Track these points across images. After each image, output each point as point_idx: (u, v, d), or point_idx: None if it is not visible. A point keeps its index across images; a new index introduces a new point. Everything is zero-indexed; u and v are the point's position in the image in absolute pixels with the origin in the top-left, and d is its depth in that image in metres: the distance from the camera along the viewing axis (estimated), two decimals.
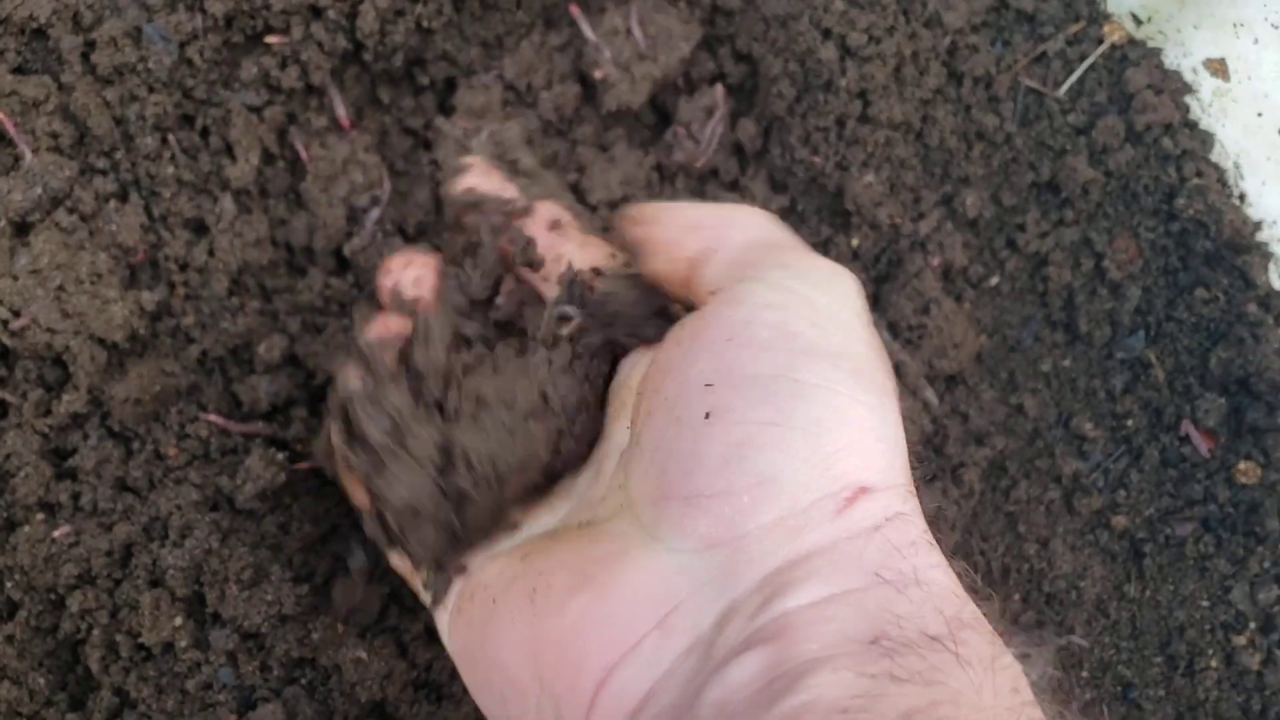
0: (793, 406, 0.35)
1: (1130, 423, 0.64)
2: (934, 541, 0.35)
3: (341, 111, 0.61)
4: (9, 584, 0.52)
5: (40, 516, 0.53)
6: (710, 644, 0.34)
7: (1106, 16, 0.68)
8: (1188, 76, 0.66)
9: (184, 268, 0.57)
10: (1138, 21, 0.67)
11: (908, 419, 0.59)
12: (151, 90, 0.58)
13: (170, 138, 0.58)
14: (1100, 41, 0.67)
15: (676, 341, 0.39)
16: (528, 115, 0.65)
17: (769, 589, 0.33)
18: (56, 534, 0.51)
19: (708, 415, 0.36)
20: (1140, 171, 0.65)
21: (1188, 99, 0.66)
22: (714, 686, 0.32)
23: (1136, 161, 0.65)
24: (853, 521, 0.34)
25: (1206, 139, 0.66)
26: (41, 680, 0.51)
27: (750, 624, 0.33)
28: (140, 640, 0.50)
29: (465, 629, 0.41)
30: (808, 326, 0.37)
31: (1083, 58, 0.67)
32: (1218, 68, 0.65)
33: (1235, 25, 0.63)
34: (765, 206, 0.62)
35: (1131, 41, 0.67)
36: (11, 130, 0.55)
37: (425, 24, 0.61)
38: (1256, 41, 0.62)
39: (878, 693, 0.29)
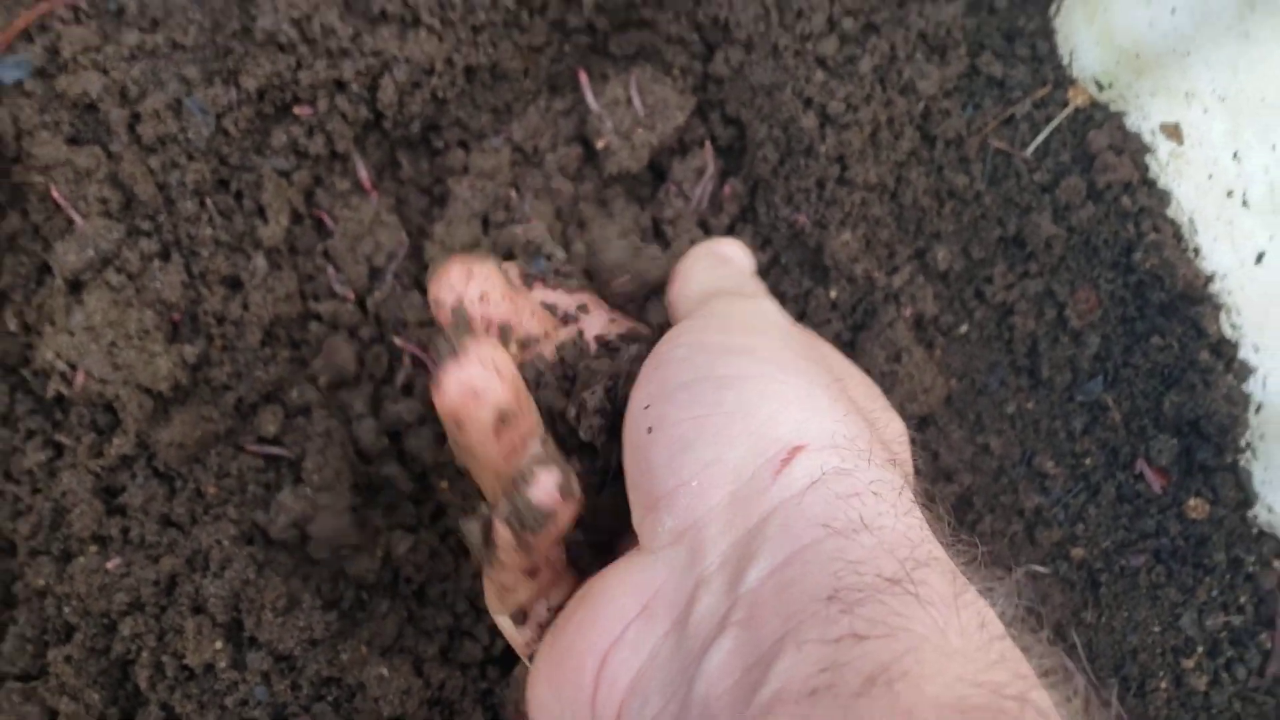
0: (719, 397, 0.38)
1: (1089, 461, 0.70)
2: (883, 494, 0.35)
3: (364, 175, 0.67)
4: (66, 609, 0.58)
5: (94, 549, 0.59)
6: (684, 621, 0.35)
7: (1072, 81, 0.73)
8: (1146, 138, 0.71)
9: (221, 321, 0.63)
10: (1100, 87, 0.72)
11: None
12: (191, 158, 0.64)
13: (208, 201, 0.64)
14: (1065, 105, 0.72)
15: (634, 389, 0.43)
16: (534, 174, 0.70)
17: (732, 564, 0.35)
18: (109, 565, 0.57)
19: (650, 430, 0.39)
20: (1100, 227, 0.70)
21: (1147, 158, 0.71)
22: (699, 680, 0.33)
23: (1097, 218, 0.70)
24: (793, 479, 0.36)
25: (1164, 196, 0.71)
26: (95, 696, 0.57)
27: (721, 602, 0.34)
28: (184, 661, 0.56)
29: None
30: (720, 336, 0.41)
31: (1049, 120, 0.72)
32: (1172, 132, 0.70)
33: (1186, 94, 0.68)
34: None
35: (1095, 105, 0.72)
36: (63, 201, 0.61)
37: (440, 95, 0.67)
38: (1206, 111, 0.67)
39: (842, 661, 0.30)
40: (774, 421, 0.37)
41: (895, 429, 0.48)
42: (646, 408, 0.40)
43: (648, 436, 0.39)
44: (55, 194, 0.61)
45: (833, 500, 0.34)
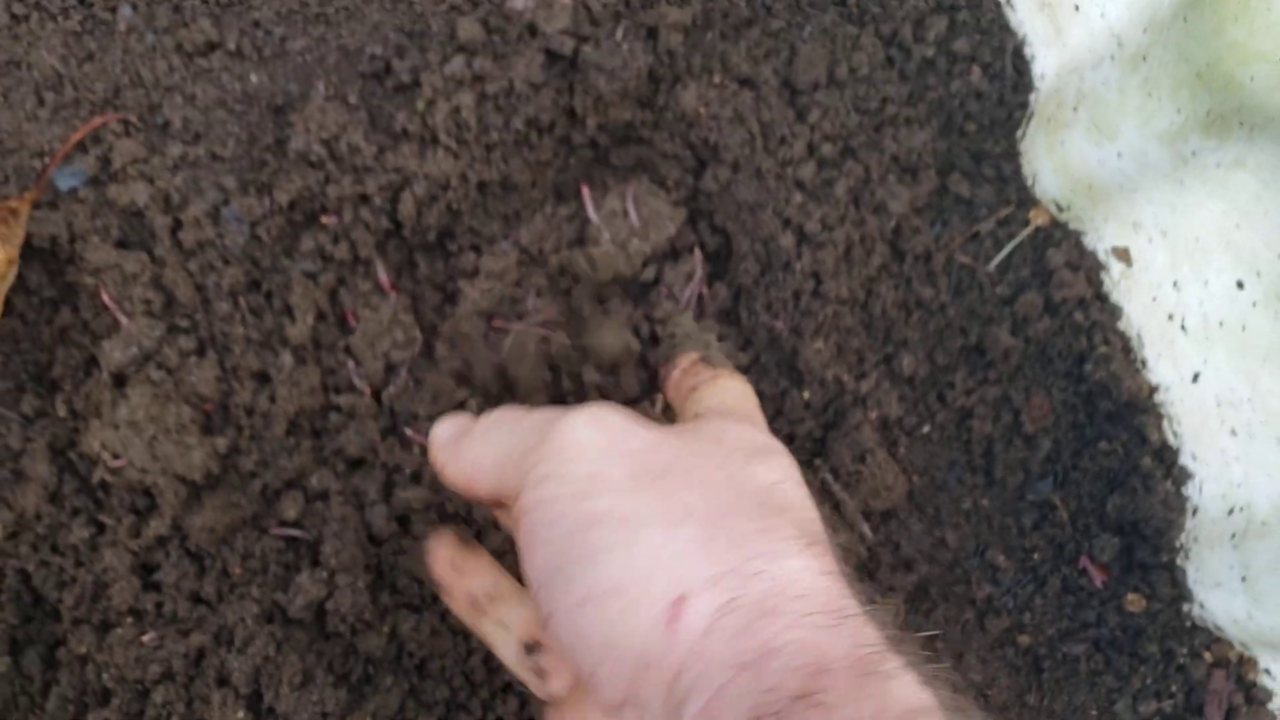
0: (592, 577, 0.38)
1: (1037, 555, 0.76)
2: (779, 608, 0.36)
3: (383, 278, 0.74)
4: (105, 676, 0.65)
5: (130, 621, 0.66)
6: None
7: (1034, 202, 0.79)
8: (1101, 257, 0.77)
9: (250, 414, 0.70)
10: (1059, 208, 0.78)
11: (845, 549, 0.71)
12: (226, 262, 0.70)
13: (241, 301, 0.71)
14: (1027, 224, 0.78)
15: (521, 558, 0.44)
16: (538, 274, 0.77)
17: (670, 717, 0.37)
18: (144, 639, 0.64)
19: (549, 616, 0.40)
20: (1056, 339, 0.77)
21: (1101, 275, 0.77)
22: None
23: (1053, 330, 0.77)
24: (689, 629, 0.36)
25: (1115, 312, 0.77)
26: None
27: None
28: None
29: None
30: (576, 505, 0.40)
31: (1011, 237, 0.78)
32: (1123, 255, 0.76)
33: (1134, 224, 0.74)
34: (734, 360, 0.74)
35: (1054, 224, 0.78)
36: (111, 302, 0.68)
37: (454, 206, 0.74)
38: (1150, 241, 0.73)
39: None
40: (649, 581, 0.38)
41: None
42: (537, 591, 0.41)
43: (550, 621, 0.40)
44: (105, 296, 0.68)
45: (730, 638, 0.36)
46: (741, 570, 0.37)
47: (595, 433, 0.43)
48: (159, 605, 0.65)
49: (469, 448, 0.48)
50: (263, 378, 0.71)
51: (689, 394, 0.56)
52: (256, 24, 0.75)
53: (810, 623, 0.36)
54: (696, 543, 0.39)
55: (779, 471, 0.45)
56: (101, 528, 0.67)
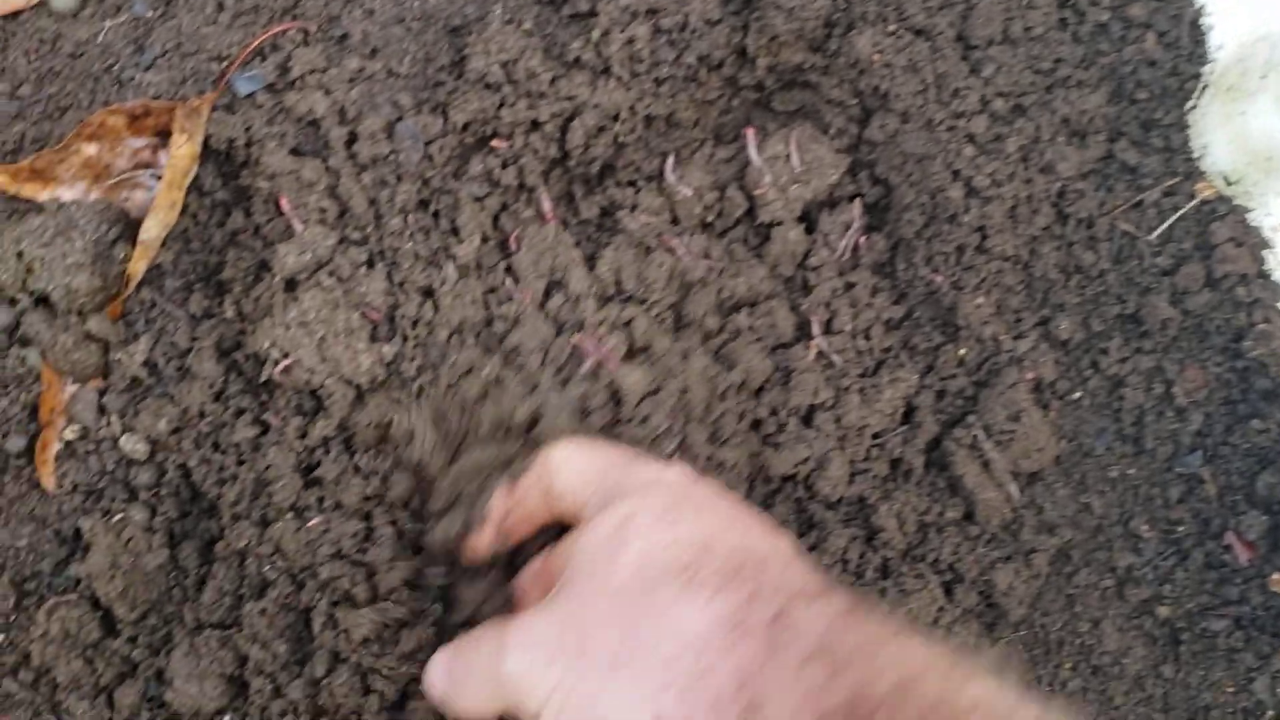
0: None
1: (1181, 529, 0.75)
2: None
3: (546, 206, 0.74)
4: (265, 567, 0.66)
5: (290, 516, 0.66)
6: None
7: (1201, 174, 0.78)
8: (1266, 234, 0.76)
9: (415, 324, 0.70)
10: (1228, 182, 0.77)
11: (991, 507, 0.70)
12: (399, 179, 0.71)
13: (410, 218, 0.71)
14: (1193, 196, 0.77)
15: None
16: (692, 215, 0.76)
17: None
18: (311, 524, 0.65)
19: None
20: (1215, 313, 0.76)
21: (1265, 254, 0.76)
22: None
23: (1212, 304, 0.76)
24: None
25: (1277, 290, 0.76)
26: (282, 647, 0.65)
27: None
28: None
29: None
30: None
31: (1175, 209, 0.77)
32: None
33: None
34: (880, 314, 0.74)
35: (1220, 198, 0.77)
36: (288, 208, 0.69)
37: (620, 139, 0.74)
38: None
39: None
40: None
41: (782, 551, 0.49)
42: None
43: None
44: (284, 202, 0.68)
45: None
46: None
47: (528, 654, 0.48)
48: (320, 500, 0.66)
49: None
50: (427, 292, 0.71)
51: (551, 501, 0.57)
52: None
53: None
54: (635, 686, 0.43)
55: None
56: (265, 427, 0.68)
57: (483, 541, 0.60)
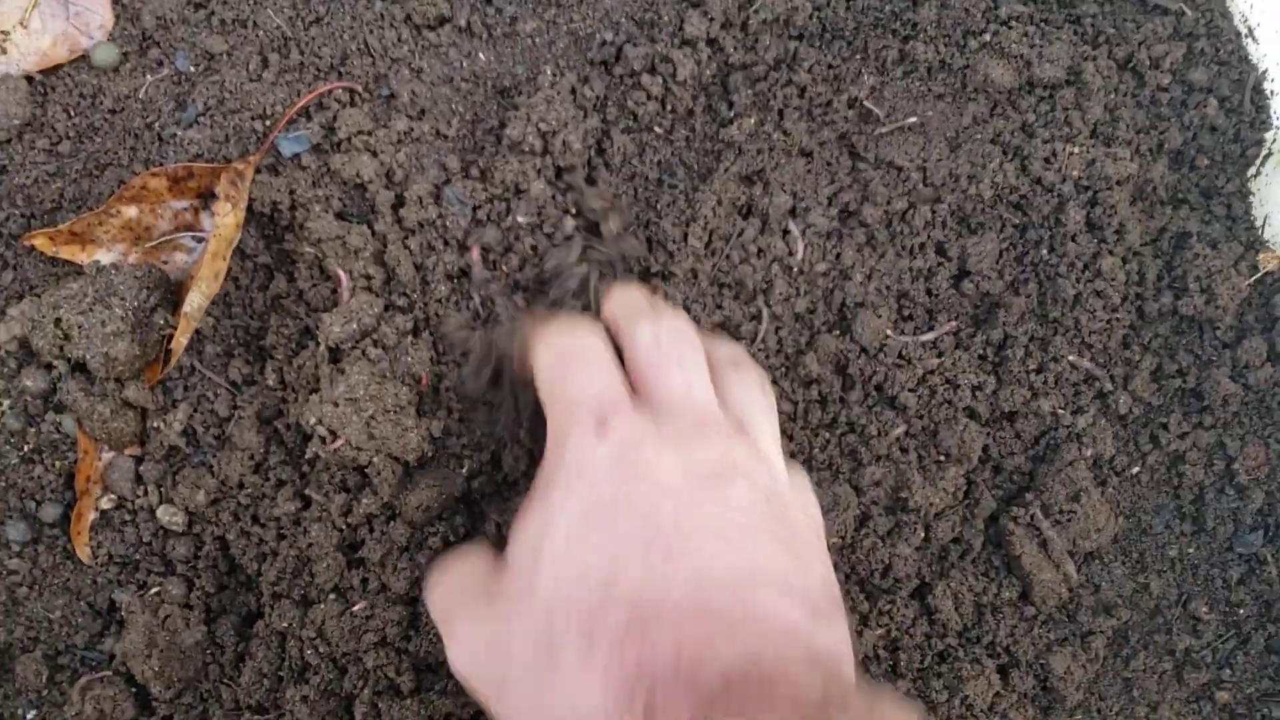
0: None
1: (1242, 611, 0.73)
2: None
3: None
4: (306, 651, 0.64)
5: (333, 597, 0.65)
6: None
7: (1264, 244, 0.76)
8: None
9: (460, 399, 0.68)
10: None
11: (1048, 588, 0.68)
12: (446, 244, 0.69)
13: (456, 284, 0.69)
14: (1256, 268, 0.75)
15: None
16: None
17: None
18: (355, 609, 0.63)
19: None
20: (1277, 389, 0.74)
21: None
22: None
23: (1275, 379, 0.74)
24: None
25: None
26: None
27: None
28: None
29: None
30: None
31: (1238, 280, 0.75)
32: None
33: None
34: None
35: None
36: (343, 277, 0.67)
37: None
38: None
39: None
40: None
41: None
42: None
43: None
44: (340, 272, 0.66)
45: None
46: None
47: (460, 661, 0.50)
48: (364, 582, 0.64)
49: None
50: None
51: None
52: (488, 1, 0.73)
53: None
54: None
55: (549, 567, 0.46)
56: (307, 501, 0.66)
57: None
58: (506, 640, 0.46)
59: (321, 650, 0.63)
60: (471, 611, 0.49)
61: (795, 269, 0.71)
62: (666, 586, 0.42)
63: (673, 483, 0.46)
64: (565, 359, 0.54)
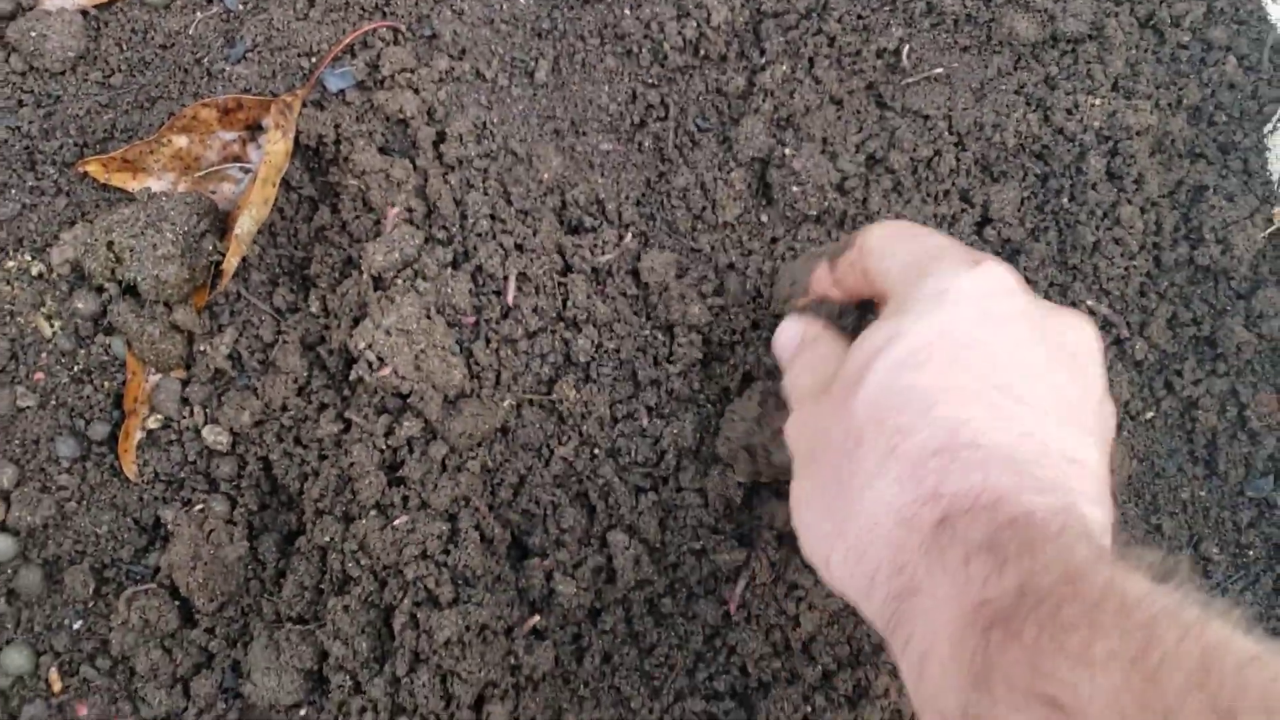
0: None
1: (1251, 553, 0.75)
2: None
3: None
4: (347, 563, 0.66)
5: (374, 513, 0.67)
6: None
7: (1279, 198, 0.78)
8: None
9: (496, 331, 0.70)
10: None
11: None
12: (485, 180, 0.71)
13: (495, 221, 0.71)
14: (1270, 221, 0.77)
15: None
16: None
17: None
18: (396, 523, 0.65)
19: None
20: None
21: None
22: None
23: None
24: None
25: None
26: (364, 644, 0.65)
27: None
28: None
29: None
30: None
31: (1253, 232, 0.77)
32: None
33: None
34: None
35: None
36: (387, 209, 0.69)
37: None
38: None
39: None
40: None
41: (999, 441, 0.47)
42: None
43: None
44: (389, 206, 0.68)
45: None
46: (842, 522, 0.49)
47: (791, 430, 0.57)
48: (405, 499, 0.66)
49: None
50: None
51: (869, 282, 0.57)
52: None
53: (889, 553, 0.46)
54: (825, 511, 0.50)
55: (885, 367, 0.49)
56: (348, 424, 0.69)
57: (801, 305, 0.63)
58: (826, 428, 0.51)
59: (363, 563, 0.65)
60: (809, 395, 0.55)
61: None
62: (988, 429, 0.45)
63: (1025, 336, 0.49)
64: (907, 226, 0.59)
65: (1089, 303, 0.75)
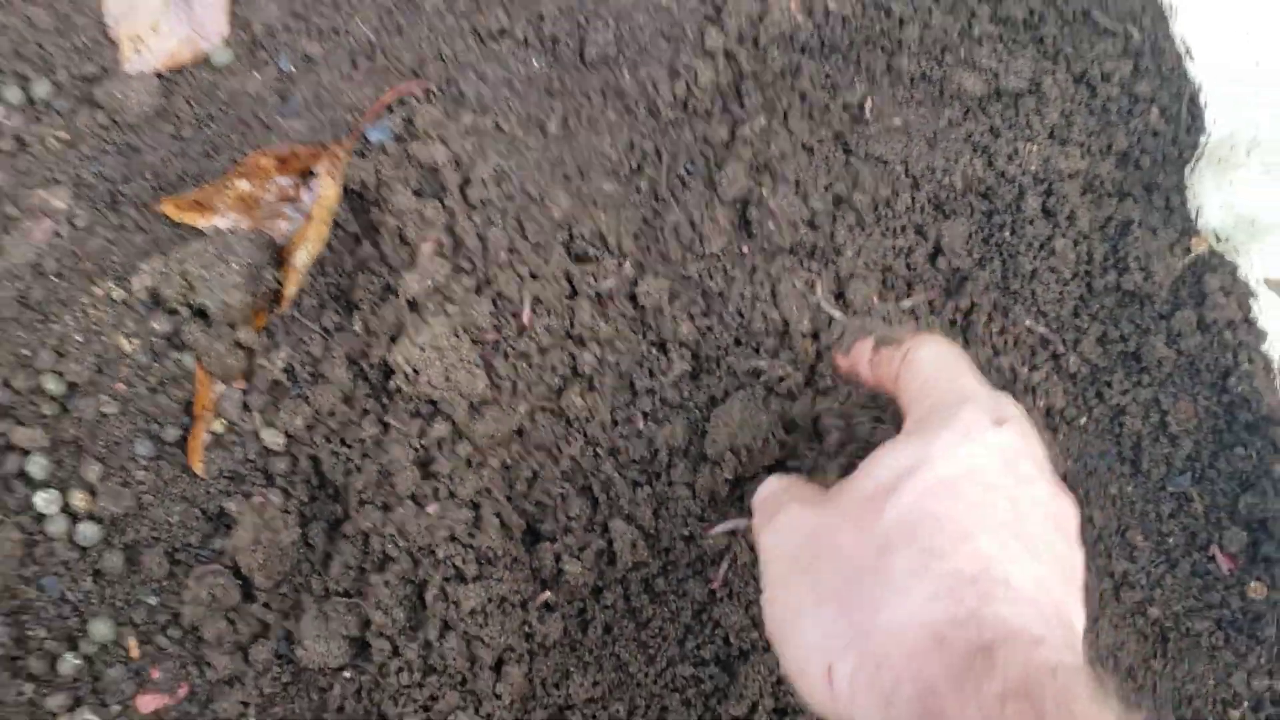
0: (784, 661, 0.51)
1: (1171, 540, 0.86)
2: (889, 657, 0.44)
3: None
4: (387, 545, 0.77)
5: (409, 502, 0.78)
6: None
7: (1196, 231, 0.89)
8: (1251, 285, 0.87)
9: (514, 347, 0.81)
10: (1218, 239, 0.88)
11: None
12: (505, 217, 0.83)
13: (513, 253, 0.83)
14: (1189, 250, 0.88)
15: None
16: None
17: None
18: (429, 510, 0.76)
19: None
20: (1205, 354, 0.87)
21: (1250, 302, 0.87)
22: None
23: (1203, 346, 0.87)
24: (840, 694, 0.46)
25: (1261, 334, 0.87)
26: (400, 613, 0.76)
27: None
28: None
29: None
30: (768, 602, 0.54)
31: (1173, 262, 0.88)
32: (1275, 285, 0.86)
33: None
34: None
35: (1213, 253, 0.89)
36: (419, 242, 0.80)
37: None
38: None
39: None
40: (809, 661, 0.49)
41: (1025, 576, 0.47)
42: None
43: None
44: (423, 242, 0.80)
45: (866, 691, 0.45)
46: (860, 630, 0.46)
47: (775, 539, 0.54)
48: (435, 491, 0.78)
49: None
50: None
51: (896, 383, 0.59)
52: (541, 16, 0.87)
53: (915, 667, 0.43)
54: (834, 618, 0.47)
55: (917, 489, 0.49)
56: (387, 427, 0.80)
57: (839, 363, 0.65)
58: (833, 531, 0.50)
59: (400, 545, 0.77)
60: (801, 504, 0.54)
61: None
62: (1017, 574, 0.46)
63: (1041, 497, 0.51)
64: (955, 357, 0.58)
65: (1028, 322, 0.86)
